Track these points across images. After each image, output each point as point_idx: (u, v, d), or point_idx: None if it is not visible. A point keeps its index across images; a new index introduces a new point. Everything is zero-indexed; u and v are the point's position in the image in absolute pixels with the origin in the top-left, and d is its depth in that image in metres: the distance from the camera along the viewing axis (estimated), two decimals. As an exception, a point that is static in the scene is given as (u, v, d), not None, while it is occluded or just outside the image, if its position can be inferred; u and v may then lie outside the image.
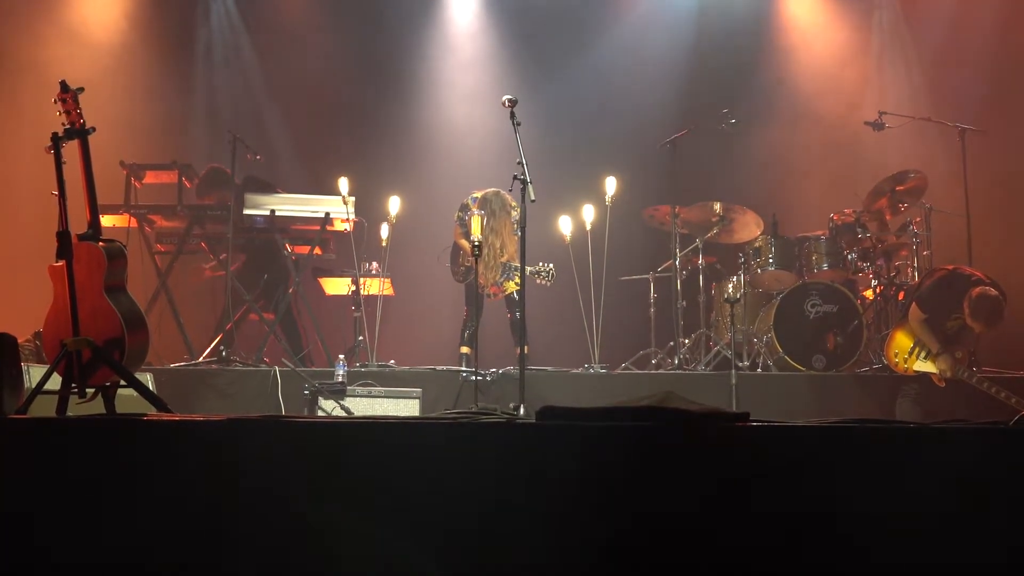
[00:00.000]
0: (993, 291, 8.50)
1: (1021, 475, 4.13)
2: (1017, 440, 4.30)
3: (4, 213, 11.00)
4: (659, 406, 4.40)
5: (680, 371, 9.77)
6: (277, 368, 8.90)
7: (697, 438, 4.21)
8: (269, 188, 10.27)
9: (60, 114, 5.83)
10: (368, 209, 10.24)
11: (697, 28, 12.66)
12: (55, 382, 5.69)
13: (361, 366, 9.33)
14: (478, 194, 9.74)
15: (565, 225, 10.05)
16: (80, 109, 5.82)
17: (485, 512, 4.09)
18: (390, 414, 8.38)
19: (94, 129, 5.85)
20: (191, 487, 4.14)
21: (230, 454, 4.20)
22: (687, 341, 10.19)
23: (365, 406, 8.41)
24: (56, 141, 5.73)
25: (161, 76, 12.07)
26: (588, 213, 10.02)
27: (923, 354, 8.70)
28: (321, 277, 10.79)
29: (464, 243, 9.66)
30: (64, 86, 5.85)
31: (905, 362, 8.77)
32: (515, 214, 9.48)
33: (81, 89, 5.88)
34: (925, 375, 8.72)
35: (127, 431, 4.39)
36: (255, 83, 12.44)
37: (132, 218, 9.82)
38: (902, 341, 8.82)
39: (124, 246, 6.02)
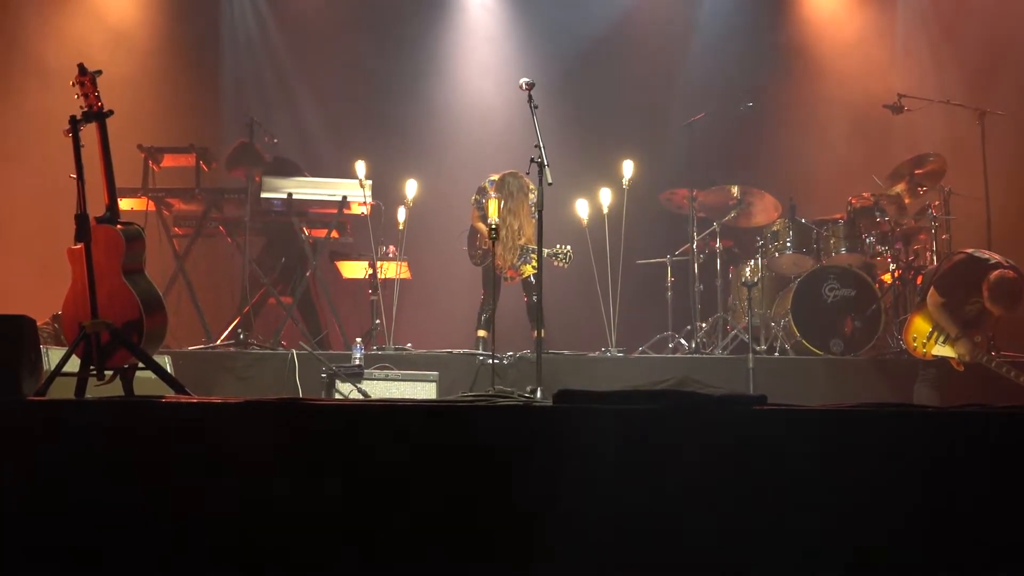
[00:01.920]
0: (1012, 274, 8.45)
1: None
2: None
3: (25, 196, 11.02)
4: (676, 389, 4.42)
5: (697, 355, 9.75)
6: (295, 351, 8.92)
7: (714, 421, 4.21)
8: (297, 170, 10.32)
9: (78, 97, 5.84)
10: (385, 192, 10.24)
11: (714, 10, 12.60)
12: (74, 364, 5.72)
13: (378, 349, 9.35)
14: (495, 177, 9.72)
15: (582, 208, 10.04)
16: (98, 92, 5.83)
17: (502, 495, 4.10)
18: (407, 397, 8.39)
19: (112, 112, 5.86)
20: (209, 468, 4.16)
21: (248, 436, 4.22)
22: (704, 325, 10.17)
23: (382, 389, 8.42)
24: (74, 124, 5.75)
25: (179, 60, 12.08)
26: (605, 196, 9.99)
27: (942, 338, 8.67)
28: (338, 260, 10.80)
29: (481, 226, 9.65)
30: (82, 69, 5.86)
31: (924, 346, 8.73)
32: (533, 196, 9.46)
33: (99, 72, 5.89)
34: (944, 359, 8.68)
35: (145, 413, 4.41)
36: (272, 67, 12.43)
37: (150, 201, 9.81)
38: (920, 325, 8.78)
39: (142, 229, 6.04)
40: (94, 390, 5.67)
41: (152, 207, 9.84)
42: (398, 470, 4.14)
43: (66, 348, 5.86)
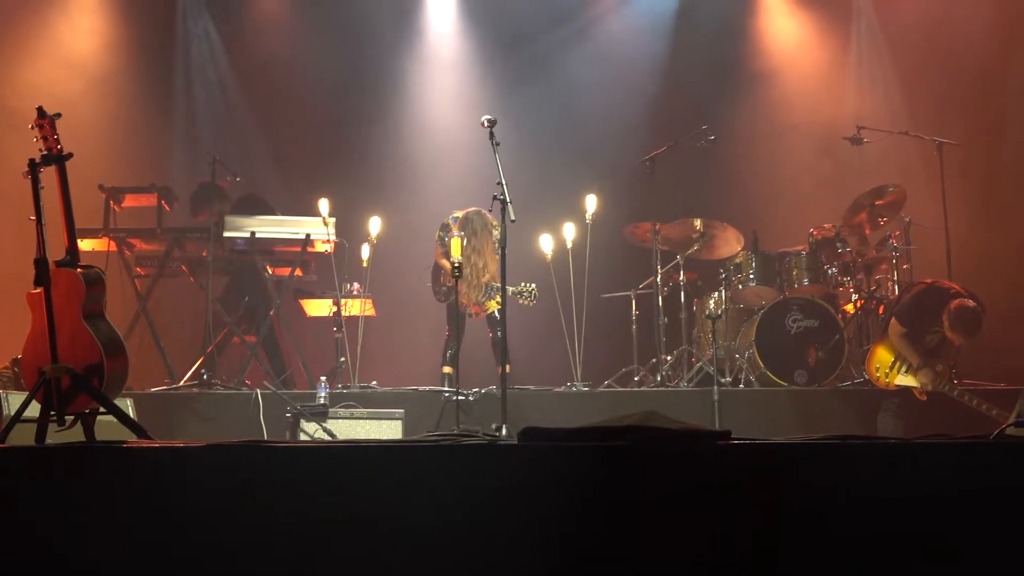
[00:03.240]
0: (971, 303, 8.54)
1: (1002, 489, 4.14)
2: (998, 454, 4.32)
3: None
4: (641, 425, 4.40)
5: (663, 388, 9.78)
6: (259, 391, 8.87)
7: (679, 457, 4.21)
8: (266, 207, 10.28)
9: (37, 140, 5.80)
10: (349, 230, 10.23)
11: (675, 43, 12.69)
12: (34, 409, 5.65)
13: (343, 387, 9.30)
14: (459, 214, 9.74)
15: (546, 243, 10.07)
16: (57, 135, 5.79)
17: (469, 534, 4.08)
18: (373, 436, 8.36)
19: (71, 155, 5.82)
20: (172, 514, 4.12)
21: (211, 480, 4.18)
22: (669, 358, 10.20)
23: (348, 428, 8.38)
24: (33, 167, 5.70)
25: (140, 99, 12.05)
26: (569, 231, 10.02)
27: (904, 368, 8.73)
28: (302, 299, 10.76)
29: (445, 263, 9.64)
30: (41, 112, 5.82)
31: (886, 376, 8.79)
32: (496, 233, 9.48)
33: (58, 115, 5.85)
34: (906, 389, 8.74)
35: (106, 459, 4.37)
36: (234, 106, 12.41)
37: (111, 242, 9.76)
38: (883, 355, 8.85)
39: (102, 272, 5.99)
40: (55, 436, 5.60)
41: (114, 247, 9.79)
42: (364, 511, 4.11)
43: (26, 393, 5.79)
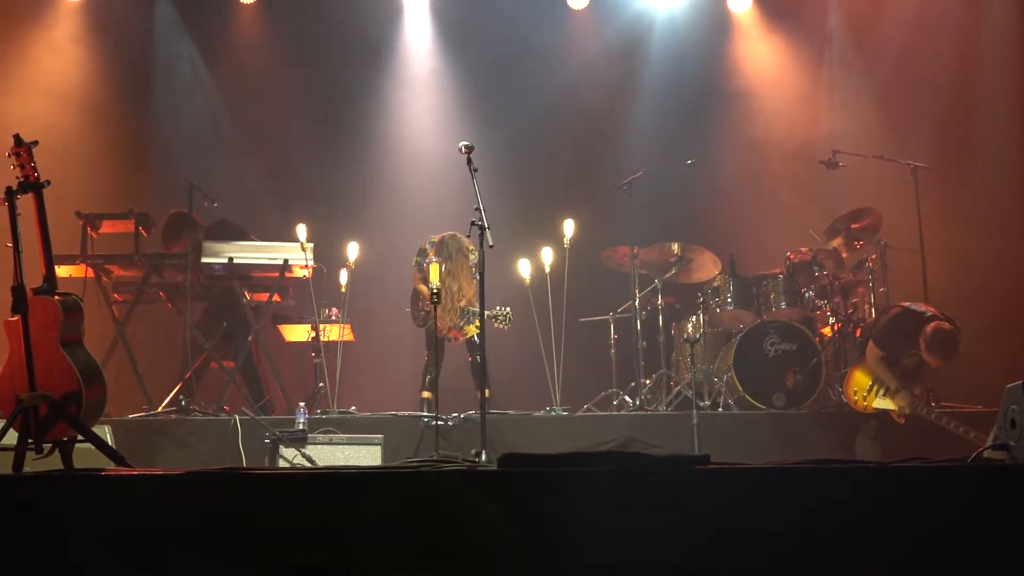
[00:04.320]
0: (948, 326, 8.59)
1: (979, 512, 4.17)
2: (975, 477, 4.35)
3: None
4: (620, 451, 4.43)
5: (642, 412, 9.79)
6: (237, 417, 8.84)
7: (658, 482, 4.23)
8: (242, 232, 10.25)
9: (14, 168, 5.80)
10: (327, 255, 10.23)
11: (651, 67, 12.74)
12: (11, 437, 5.63)
13: (322, 413, 9.29)
14: (435, 238, 9.77)
15: (524, 268, 10.09)
16: (35, 163, 5.79)
17: (449, 561, 4.08)
18: (352, 461, 8.35)
19: (48, 183, 5.81)
20: (150, 542, 4.11)
21: (190, 508, 4.18)
22: (648, 381, 10.21)
23: (327, 454, 8.37)
24: (10, 195, 5.70)
25: (116, 125, 12.05)
26: (547, 256, 10.06)
27: (882, 391, 8.76)
28: (281, 324, 10.74)
29: (423, 288, 9.66)
30: (18, 140, 5.82)
31: (864, 399, 8.82)
32: (473, 258, 9.50)
33: (35, 143, 5.85)
34: (884, 412, 8.78)
35: (85, 487, 4.36)
36: (211, 131, 12.40)
37: (89, 268, 9.73)
38: (861, 379, 8.88)
39: (80, 300, 5.98)
40: (33, 464, 5.59)
41: (91, 274, 9.76)
42: (345, 539, 4.11)
43: (3, 421, 5.77)
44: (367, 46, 12.73)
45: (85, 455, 6.00)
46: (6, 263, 5.68)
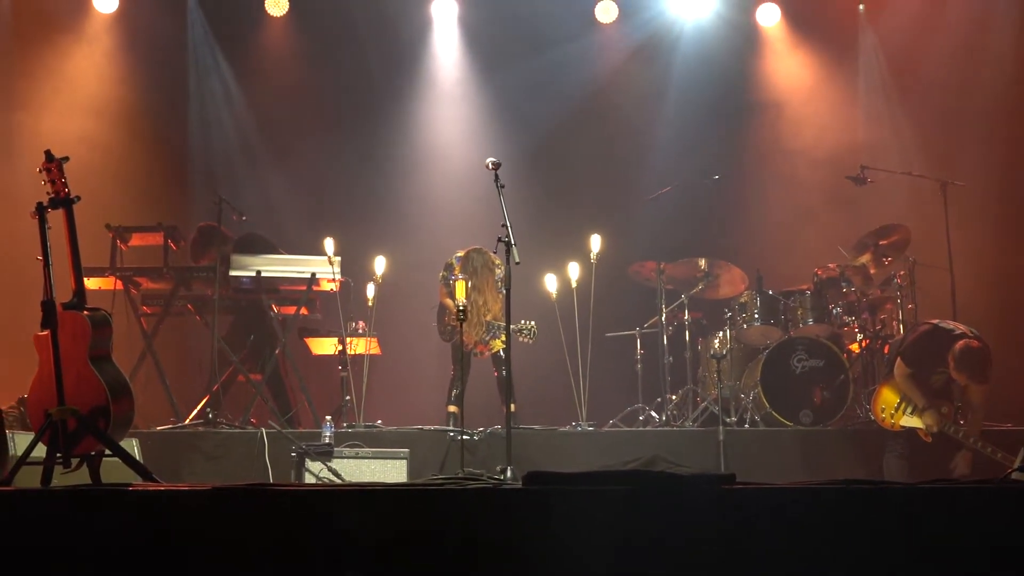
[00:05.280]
0: (976, 344, 8.50)
1: (1008, 533, 4.14)
2: (1004, 498, 4.32)
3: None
4: (645, 470, 4.42)
5: (668, 427, 9.76)
6: (264, 430, 8.86)
7: (683, 502, 4.22)
8: (270, 246, 10.29)
9: (45, 183, 5.85)
10: (354, 269, 10.26)
11: (679, 81, 12.73)
12: (40, 451, 5.68)
13: (348, 427, 9.30)
14: (461, 253, 9.79)
15: (551, 283, 10.09)
16: (65, 178, 5.84)
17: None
18: (378, 476, 8.35)
19: (79, 198, 5.87)
20: (176, 558, 4.13)
21: (215, 524, 4.19)
22: (674, 397, 10.19)
23: (352, 468, 8.38)
24: (41, 210, 5.75)
25: (147, 138, 12.11)
26: (573, 271, 10.06)
27: (909, 409, 8.70)
28: (308, 337, 10.76)
29: (449, 302, 9.67)
30: (49, 156, 5.88)
31: (892, 417, 8.76)
32: (499, 272, 9.52)
33: (66, 158, 5.91)
34: (912, 430, 8.71)
35: (112, 501, 4.38)
36: (239, 144, 12.46)
37: (118, 280, 9.80)
38: (888, 396, 8.82)
39: (109, 314, 6.03)
40: (60, 478, 5.63)
41: (120, 286, 9.83)
42: (370, 556, 4.11)
43: (32, 433, 5.81)
44: (396, 59, 12.78)
45: (113, 469, 6.04)
46: (37, 278, 5.73)
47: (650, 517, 4.16)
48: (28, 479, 5.57)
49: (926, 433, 8.63)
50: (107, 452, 5.81)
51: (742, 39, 12.81)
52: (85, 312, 5.84)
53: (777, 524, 4.17)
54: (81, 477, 5.73)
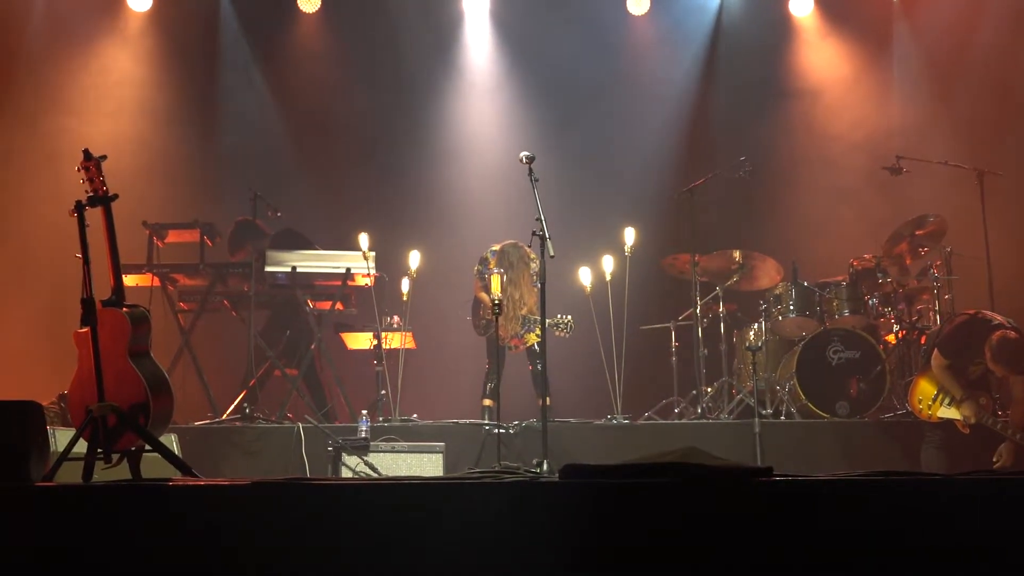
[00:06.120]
0: (1014, 334, 8.43)
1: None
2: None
3: (26, 275, 11.12)
4: (681, 462, 4.40)
5: (703, 420, 9.74)
6: (300, 424, 8.92)
7: (720, 495, 4.21)
8: (306, 242, 10.35)
9: (83, 182, 5.89)
10: (389, 264, 10.30)
11: (712, 73, 12.72)
12: (81, 447, 5.73)
13: (384, 421, 9.34)
14: (496, 247, 9.82)
15: (585, 276, 10.10)
16: (103, 177, 5.89)
17: (513, 574, 4.10)
18: (414, 469, 8.38)
19: (117, 196, 5.91)
20: (217, 553, 4.16)
21: (256, 519, 4.22)
22: (709, 390, 10.17)
23: (389, 462, 8.42)
24: (80, 208, 5.80)
25: (182, 135, 12.19)
26: (608, 264, 10.04)
27: (947, 400, 8.65)
28: (343, 332, 10.81)
29: (484, 296, 9.70)
30: (87, 154, 5.92)
31: (929, 409, 8.72)
32: (534, 266, 9.56)
33: (104, 157, 5.95)
34: (949, 422, 8.66)
35: (153, 497, 4.42)
36: (275, 141, 12.53)
37: (155, 277, 9.88)
38: (925, 388, 8.77)
39: (148, 311, 6.07)
40: (101, 473, 5.68)
41: (157, 283, 9.91)
42: (409, 551, 4.13)
43: (72, 429, 5.87)
44: (428, 53, 12.80)
45: (153, 465, 6.09)
46: (76, 275, 5.78)
47: (687, 510, 4.16)
48: (69, 475, 5.61)
49: (964, 424, 8.59)
50: (147, 448, 5.86)
51: (775, 31, 12.77)
52: (124, 309, 5.89)
53: (814, 516, 4.15)
54: (121, 473, 5.78)
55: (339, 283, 9.97)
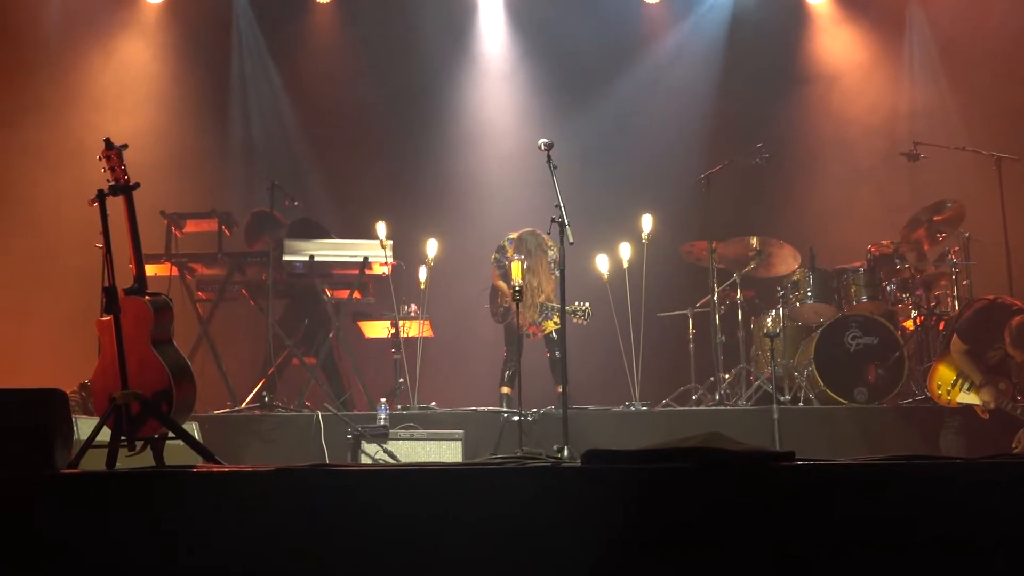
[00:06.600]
0: (1034, 319, 8.44)
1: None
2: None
3: (53, 268, 11.18)
4: (704, 447, 4.41)
5: (721, 406, 9.75)
6: (319, 413, 8.94)
7: (743, 480, 4.22)
8: (322, 231, 10.38)
9: (105, 171, 5.91)
10: (406, 252, 10.32)
11: (728, 60, 12.69)
12: (105, 435, 5.76)
13: (403, 409, 9.37)
14: (514, 235, 9.82)
15: (602, 263, 10.10)
16: (124, 166, 5.90)
17: (533, 557, 4.11)
18: (433, 457, 8.41)
19: (138, 185, 5.93)
20: (241, 539, 4.19)
21: (279, 505, 4.24)
22: (727, 376, 10.16)
23: (408, 449, 8.44)
24: (101, 197, 5.82)
25: (200, 125, 12.23)
26: (625, 251, 10.05)
27: (966, 386, 8.64)
28: (361, 321, 10.83)
29: (502, 284, 9.71)
30: (108, 144, 5.93)
31: (948, 394, 8.71)
32: (552, 253, 9.55)
33: (125, 146, 5.97)
34: (969, 407, 8.65)
35: (177, 484, 4.44)
36: (292, 130, 12.56)
37: (173, 267, 9.90)
38: (944, 373, 8.76)
39: (170, 299, 6.10)
40: (125, 460, 5.71)
41: (175, 272, 9.94)
42: (431, 536, 4.15)
43: (94, 417, 5.90)
44: (443, 41, 12.80)
45: (176, 452, 6.12)
46: (98, 264, 5.80)
47: (711, 494, 4.17)
48: (93, 462, 5.65)
49: (983, 410, 8.58)
50: (170, 435, 5.89)
51: (790, 17, 12.74)
52: (146, 297, 5.91)
53: (835, 500, 4.16)
54: (145, 460, 5.81)
55: (356, 272, 9.99)
